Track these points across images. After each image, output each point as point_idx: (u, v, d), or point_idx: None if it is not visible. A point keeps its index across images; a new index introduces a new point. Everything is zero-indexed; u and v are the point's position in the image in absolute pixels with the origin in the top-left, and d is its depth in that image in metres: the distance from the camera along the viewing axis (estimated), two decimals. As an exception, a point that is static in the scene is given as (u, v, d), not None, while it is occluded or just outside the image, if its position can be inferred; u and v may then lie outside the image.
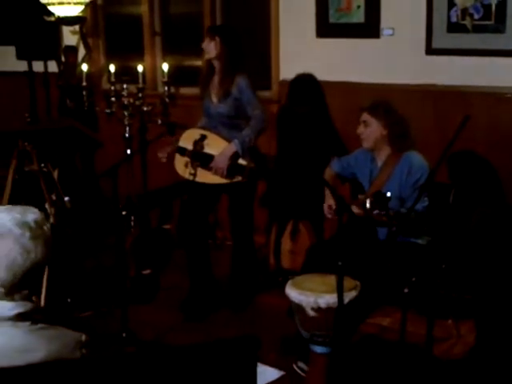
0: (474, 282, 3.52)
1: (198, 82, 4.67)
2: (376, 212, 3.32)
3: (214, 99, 4.49)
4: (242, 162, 4.37)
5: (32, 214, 2.13)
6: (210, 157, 4.42)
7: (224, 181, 4.41)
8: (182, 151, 4.55)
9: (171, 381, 2.06)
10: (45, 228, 2.13)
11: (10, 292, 2.08)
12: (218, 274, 4.76)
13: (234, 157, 4.36)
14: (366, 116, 4.03)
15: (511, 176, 4.76)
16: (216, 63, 4.45)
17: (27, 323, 2.08)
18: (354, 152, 4.31)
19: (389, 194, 3.28)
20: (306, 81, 5.08)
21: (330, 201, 4.03)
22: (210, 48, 4.39)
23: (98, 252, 5.33)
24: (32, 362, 2.01)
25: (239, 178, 4.39)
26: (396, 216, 3.31)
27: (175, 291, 4.79)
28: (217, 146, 4.42)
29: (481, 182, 4.82)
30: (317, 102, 5.14)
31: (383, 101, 4.09)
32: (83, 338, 2.16)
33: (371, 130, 4.01)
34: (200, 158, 4.46)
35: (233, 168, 4.37)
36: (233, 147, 4.34)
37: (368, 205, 3.51)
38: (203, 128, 4.57)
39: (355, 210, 3.69)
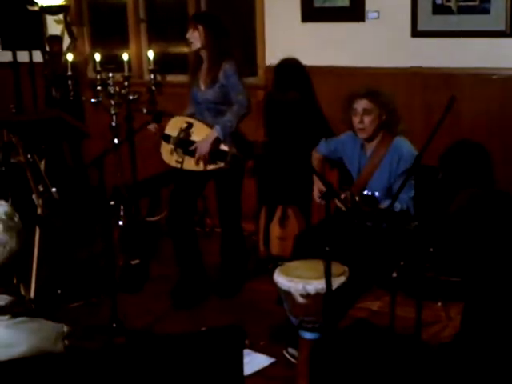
0: (462, 264, 3.52)
1: (188, 72, 4.65)
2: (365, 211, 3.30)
3: (202, 86, 4.48)
4: (223, 147, 4.35)
5: (1, 207, 2.13)
6: (193, 143, 4.41)
7: (208, 168, 4.40)
8: (167, 138, 4.55)
9: (158, 370, 2.06)
10: (15, 219, 2.13)
11: None
12: (207, 261, 4.75)
13: (216, 142, 4.34)
14: (366, 103, 3.88)
15: (496, 156, 4.75)
16: (203, 52, 4.43)
17: (6, 317, 2.06)
18: (341, 136, 4.24)
19: (377, 194, 3.26)
20: (291, 66, 5.06)
21: (319, 185, 3.99)
22: (195, 38, 4.37)
23: (88, 242, 5.33)
24: (14, 356, 2.00)
25: (221, 164, 4.37)
26: (381, 212, 3.30)
27: (164, 280, 4.78)
28: (202, 134, 4.40)
29: (470, 166, 4.81)
30: (304, 88, 5.12)
31: (371, 86, 4.03)
32: (65, 329, 2.15)
33: (373, 117, 3.89)
34: (183, 145, 4.45)
35: (215, 154, 4.35)
36: (214, 133, 4.33)
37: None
38: (190, 116, 4.55)
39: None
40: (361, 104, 3.91)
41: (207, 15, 4.53)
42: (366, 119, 3.90)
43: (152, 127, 4.55)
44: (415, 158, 3.70)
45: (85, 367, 2.01)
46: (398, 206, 3.66)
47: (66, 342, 2.13)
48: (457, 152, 4.77)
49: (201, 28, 4.34)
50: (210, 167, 4.40)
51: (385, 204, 3.57)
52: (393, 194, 3.79)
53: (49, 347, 2.08)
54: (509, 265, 2.85)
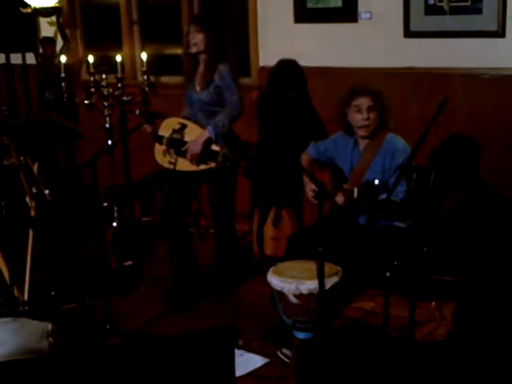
0: (454, 263, 3.53)
1: (183, 74, 4.64)
2: (364, 201, 3.28)
3: (198, 87, 4.48)
4: (214, 147, 4.35)
5: None
6: (185, 144, 4.42)
7: (201, 168, 4.40)
8: (160, 139, 4.55)
9: (149, 370, 2.05)
10: None
11: None
12: (202, 262, 4.75)
13: (208, 142, 4.34)
14: (370, 100, 3.90)
15: (489, 155, 4.77)
16: (201, 55, 4.42)
17: None
18: (331, 136, 4.25)
19: (377, 182, 3.25)
20: (289, 67, 5.06)
21: (311, 185, 3.99)
22: (198, 40, 4.36)
23: (81, 244, 5.33)
24: (0, 356, 1.99)
25: (212, 164, 4.37)
26: (380, 203, 3.28)
27: (159, 282, 4.78)
28: (195, 135, 4.40)
29: (459, 164, 4.82)
30: (300, 88, 5.13)
31: (370, 83, 4.04)
32: (49, 326, 2.15)
33: (376, 114, 3.92)
34: (175, 146, 4.45)
35: (205, 154, 4.35)
36: (206, 133, 4.33)
37: (355, 194, 3.48)
38: (185, 117, 4.55)
39: (339, 199, 3.67)
40: (365, 101, 3.92)
41: (209, 18, 4.52)
42: (372, 116, 3.92)
43: (147, 127, 4.57)
44: (408, 156, 3.72)
45: (77, 368, 2.01)
46: (393, 197, 3.66)
47: (51, 339, 2.13)
48: (446, 147, 4.80)
49: (205, 31, 4.34)
50: (201, 167, 4.40)
51: (381, 197, 3.57)
52: (388, 189, 3.80)
53: (34, 345, 2.08)
54: (501, 263, 2.86)
